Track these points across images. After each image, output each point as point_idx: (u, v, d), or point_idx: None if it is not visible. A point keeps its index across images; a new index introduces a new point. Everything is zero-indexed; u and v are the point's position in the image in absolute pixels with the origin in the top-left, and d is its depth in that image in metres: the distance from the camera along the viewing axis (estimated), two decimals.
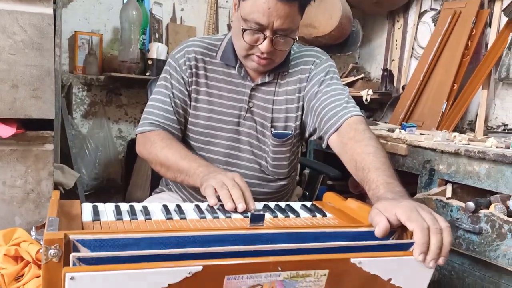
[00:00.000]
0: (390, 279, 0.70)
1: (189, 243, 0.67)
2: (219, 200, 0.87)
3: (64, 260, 0.59)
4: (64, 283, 0.55)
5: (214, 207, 0.87)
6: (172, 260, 0.60)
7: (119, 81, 2.40)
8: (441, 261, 0.71)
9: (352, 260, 0.67)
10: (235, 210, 0.85)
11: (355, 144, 1.00)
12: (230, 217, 0.83)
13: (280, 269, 0.63)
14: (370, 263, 0.68)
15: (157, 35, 2.45)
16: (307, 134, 1.19)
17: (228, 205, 0.84)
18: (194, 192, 1.18)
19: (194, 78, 1.15)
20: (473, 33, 2.04)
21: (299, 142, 1.25)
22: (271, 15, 1.01)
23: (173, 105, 1.14)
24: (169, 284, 0.59)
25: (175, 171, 1.03)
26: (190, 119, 1.17)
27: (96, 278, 0.56)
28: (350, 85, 2.46)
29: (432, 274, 0.73)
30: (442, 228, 0.72)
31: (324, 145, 1.13)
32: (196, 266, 0.59)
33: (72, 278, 0.55)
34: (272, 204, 0.93)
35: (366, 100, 2.29)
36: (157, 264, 0.59)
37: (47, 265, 0.59)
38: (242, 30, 1.05)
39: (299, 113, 1.17)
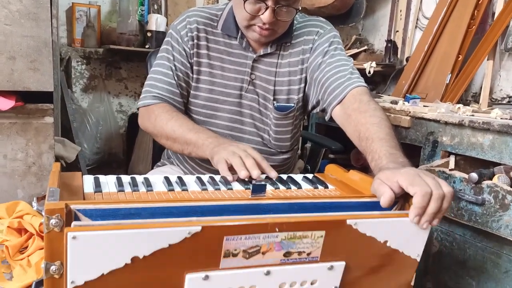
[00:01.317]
0: (386, 241, 0.72)
1: (191, 213, 0.67)
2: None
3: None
4: (66, 244, 0.56)
5: (216, 178, 0.86)
6: None
7: (118, 54, 2.37)
8: (434, 222, 0.73)
9: (348, 222, 0.68)
10: (250, 178, 0.83)
11: (360, 115, 0.98)
12: (231, 189, 0.83)
13: (277, 230, 0.65)
14: (365, 225, 0.69)
15: (156, 6, 2.40)
16: (310, 107, 1.17)
17: (242, 173, 0.82)
18: (196, 165, 1.17)
19: (195, 50, 1.13)
20: (479, 2, 1.99)
21: (302, 115, 1.23)
22: None
23: (176, 78, 1.12)
24: (169, 244, 0.60)
25: (182, 143, 1.02)
26: (191, 91, 1.15)
27: (97, 238, 0.57)
28: (353, 57, 2.42)
29: (427, 236, 0.74)
30: (445, 193, 0.72)
31: (327, 117, 1.11)
32: (195, 227, 0.61)
33: (74, 238, 0.56)
34: None
35: (369, 72, 2.26)
36: (157, 224, 0.60)
37: (49, 235, 0.59)
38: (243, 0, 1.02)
39: (302, 85, 1.15)
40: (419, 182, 0.72)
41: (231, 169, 0.86)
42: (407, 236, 0.73)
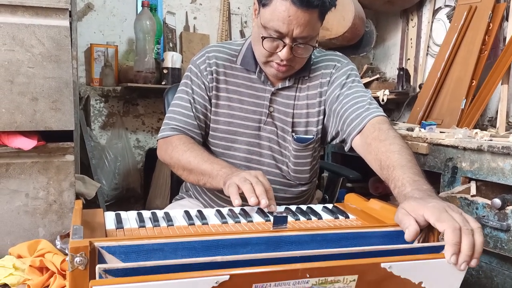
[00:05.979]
0: (421, 282, 0.68)
1: (213, 247, 0.67)
2: (243, 199, 0.85)
3: (90, 268, 0.60)
4: None
5: (235, 210, 0.87)
6: (199, 268, 0.59)
7: (136, 91, 2.43)
8: (473, 263, 0.68)
9: (383, 265, 0.65)
10: (258, 205, 0.84)
11: (380, 144, 0.98)
12: (252, 221, 0.83)
13: (308, 276, 0.62)
14: (400, 267, 0.66)
15: (171, 44, 2.48)
16: (329, 138, 1.18)
17: (252, 200, 0.83)
18: (215, 197, 1.18)
19: (214, 83, 1.16)
20: (490, 28, 2.00)
21: (320, 147, 1.24)
22: (291, 23, 1.00)
23: (194, 110, 1.15)
24: None
25: (197, 174, 1.03)
26: (211, 124, 1.17)
27: None
28: (365, 86, 2.43)
29: (463, 277, 0.70)
30: (473, 228, 0.69)
31: (347, 148, 1.11)
32: (223, 276, 0.58)
33: None
34: (293, 207, 0.92)
35: (383, 100, 2.27)
36: (183, 274, 0.57)
37: (73, 273, 0.59)
38: (261, 37, 1.04)
39: (321, 117, 1.17)
40: (447, 218, 0.69)
41: (242, 195, 0.86)
42: (442, 277, 0.70)
